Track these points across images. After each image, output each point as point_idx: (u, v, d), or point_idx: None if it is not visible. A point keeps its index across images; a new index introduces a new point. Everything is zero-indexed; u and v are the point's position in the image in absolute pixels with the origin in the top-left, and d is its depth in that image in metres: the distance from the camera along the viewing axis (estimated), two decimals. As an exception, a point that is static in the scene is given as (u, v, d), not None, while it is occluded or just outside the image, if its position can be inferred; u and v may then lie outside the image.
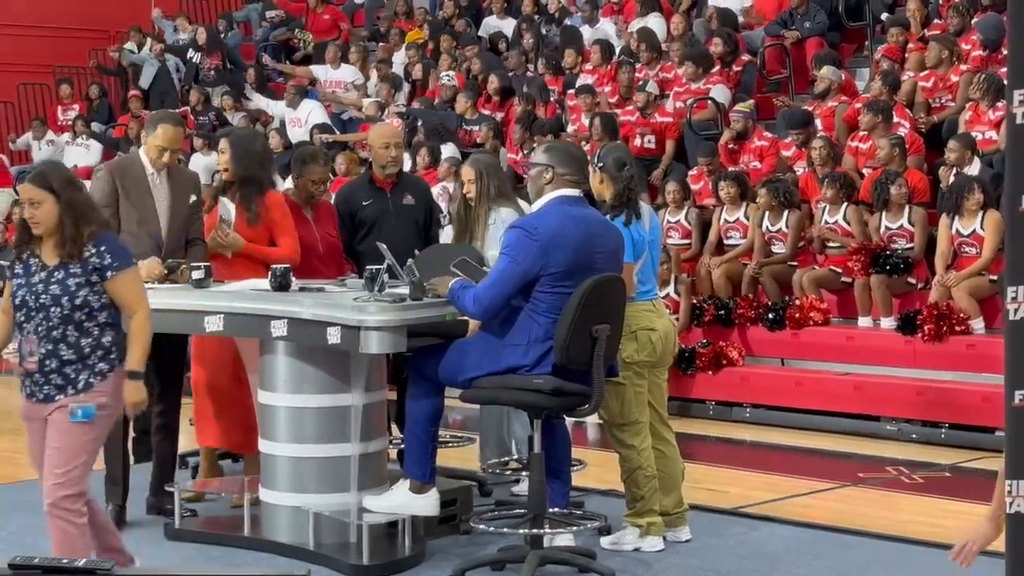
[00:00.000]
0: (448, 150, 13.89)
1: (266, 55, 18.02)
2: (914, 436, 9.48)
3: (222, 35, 19.10)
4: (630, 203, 6.39)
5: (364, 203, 7.64)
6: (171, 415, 7.09)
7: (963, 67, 11.73)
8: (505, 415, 7.47)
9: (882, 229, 10.33)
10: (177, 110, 16.59)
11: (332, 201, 7.92)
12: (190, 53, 18.32)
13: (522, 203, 7.25)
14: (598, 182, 6.43)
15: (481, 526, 6.24)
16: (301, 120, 16.14)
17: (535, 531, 5.97)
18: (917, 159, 11.02)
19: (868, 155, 11.23)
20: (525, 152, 13.31)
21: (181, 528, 6.77)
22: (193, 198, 7.08)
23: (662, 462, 6.53)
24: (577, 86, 14.02)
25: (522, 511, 6.25)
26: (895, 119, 11.28)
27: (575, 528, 6.24)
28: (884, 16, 13.56)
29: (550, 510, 6.08)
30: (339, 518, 6.32)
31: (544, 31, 15.84)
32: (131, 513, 6.98)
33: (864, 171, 11.21)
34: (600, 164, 6.43)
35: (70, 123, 18.15)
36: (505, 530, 6.17)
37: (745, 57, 13.68)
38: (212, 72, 17.88)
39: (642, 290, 6.38)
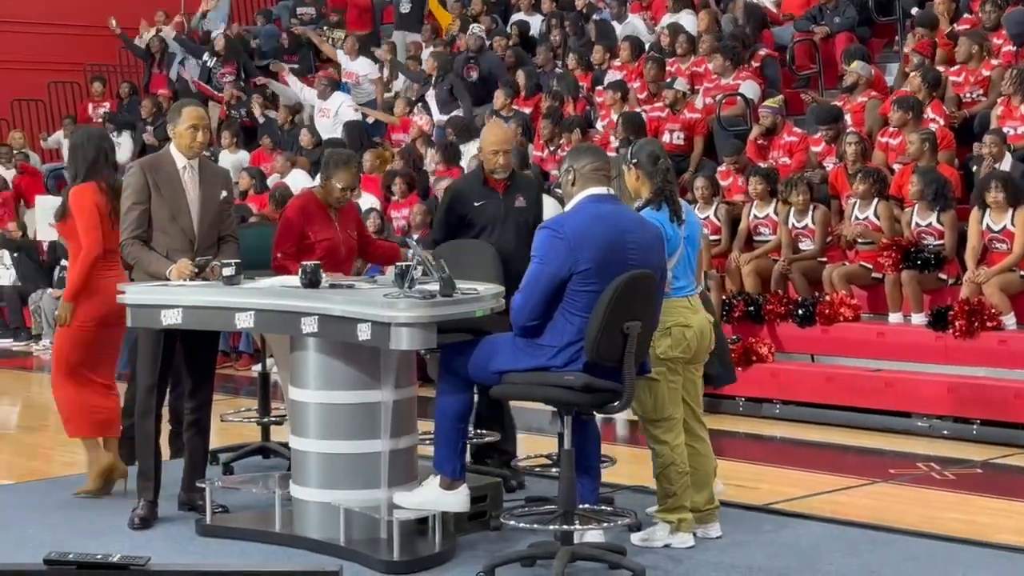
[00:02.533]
0: (475, 147, 13.90)
1: (279, 63, 18.00)
2: (945, 432, 9.43)
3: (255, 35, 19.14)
4: (669, 198, 6.38)
5: (475, 204, 7.40)
6: (203, 411, 7.11)
7: (994, 62, 11.67)
8: None
9: (913, 225, 10.29)
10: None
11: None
12: (206, 57, 18.33)
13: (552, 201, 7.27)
14: (634, 179, 6.43)
15: (511, 522, 6.24)
16: (330, 112, 16.17)
17: (565, 527, 5.96)
18: (948, 154, 10.97)
19: (899, 151, 11.19)
20: (552, 149, 13.32)
21: (212, 524, 6.79)
22: (224, 194, 7.09)
23: (695, 459, 6.52)
24: (606, 82, 14.02)
25: (552, 507, 6.24)
26: (928, 115, 11.23)
27: (605, 524, 6.23)
28: (914, 11, 13.50)
29: (580, 506, 6.08)
30: (369, 514, 6.33)
31: (571, 28, 15.82)
32: (163, 509, 7.01)
33: (894, 167, 11.17)
34: (634, 160, 6.43)
35: (100, 120, 18.23)
36: (535, 526, 6.16)
37: (763, 52, 13.62)
38: (225, 80, 17.90)
39: (677, 286, 6.34)
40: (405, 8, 18.13)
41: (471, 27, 16.33)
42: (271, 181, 14.91)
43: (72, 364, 7.50)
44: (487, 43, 16.04)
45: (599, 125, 13.64)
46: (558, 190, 6.48)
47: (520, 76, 14.89)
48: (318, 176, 9.06)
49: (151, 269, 6.84)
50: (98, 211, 7.32)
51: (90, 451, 7.59)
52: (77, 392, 7.51)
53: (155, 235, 6.89)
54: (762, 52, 13.55)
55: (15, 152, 17.79)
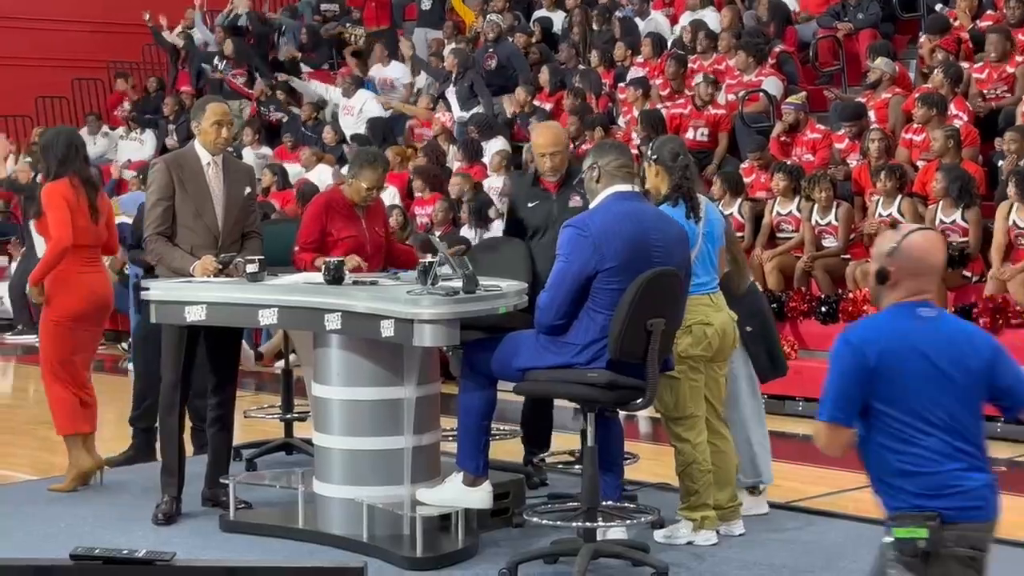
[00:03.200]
0: (497, 143, 13.91)
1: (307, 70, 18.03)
2: (968, 430, 9.38)
3: (282, 27, 19.14)
4: (688, 194, 6.36)
5: (529, 204, 7.22)
6: (226, 407, 7.12)
7: (1019, 58, 11.62)
8: None
9: (937, 222, 10.26)
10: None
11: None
12: (216, 61, 18.36)
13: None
14: (654, 175, 6.43)
15: (535, 519, 6.24)
16: (354, 109, 16.20)
17: (588, 524, 5.96)
18: (972, 151, 10.93)
19: (923, 147, 11.15)
20: (576, 145, 13.31)
21: (236, 520, 6.81)
22: (248, 190, 7.12)
23: (717, 457, 6.50)
24: (628, 79, 14.01)
25: (575, 504, 6.24)
26: (952, 111, 11.19)
27: (628, 521, 6.23)
28: (938, 7, 13.45)
29: (603, 503, 6.08)
30: (392, 510, 6.34)
31: (597, 22, 15.81)
32: (186, 505, 7.03)
33: (918, 163, 11.13)
34: (654, 156, 6.43)
35: (124, 117, 18.29)
36: (558, 523, 6.16)
37: (779, 48, 13.58)
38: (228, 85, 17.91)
39: (697, 282, 6.32)
40: (426, 5, 18.14)
41: (488, 16, 16.34)
42: (294, 177, 14.94)
43: (55, 362, 7.56)
44: (503, 31, 16.05)
45: (621, 122, 13.62)
46: (582, 189, 6.43)
47: (543, 73, 14.88)
48: (345, 172, 9.07)
49: (175, 265, 6.86)
50: (68, 205, 7.37)
51: (72, 451, 7.64)
52: (63, 389, 7.58)
53: (180, 231, 6.90)
54: (778, 48, 13.52)
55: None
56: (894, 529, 3.91)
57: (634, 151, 8.09)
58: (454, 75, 15.53)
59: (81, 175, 7.43)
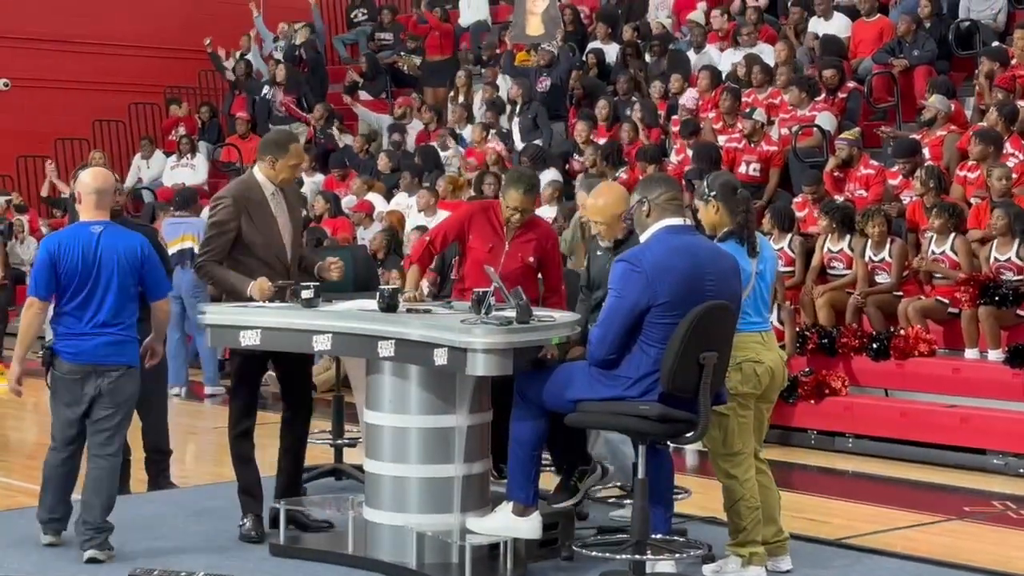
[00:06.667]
0: (550, 174, 13.93)
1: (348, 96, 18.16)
2: (1021, 471, 9.32)
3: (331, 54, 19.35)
4: (747, 231, 6.35)
5: (597, 252, 7.00)
6: (299, 432, 7.17)
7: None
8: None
9: (991, 260, 10.20)
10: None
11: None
12: (265, 89, 18.50)
13: None
14: (713, 212, 6.39)
15: (584, 551, 6.23)
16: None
17: (637, 557, 5.95)
18: (1024, 189, 10.87)
19: (977, 184, 11.10)
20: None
21: (285, 545, 6.84)
22: (304, 213, 7.20)
23: (760, 492, 6.47)
24: (680, 115, 14.01)
25: (624, 536, 6.23)
26: (1008, 149, 11.14)
27: (678, 555, 6.21)
28: (995, 44, 13.40)
29: (652, 536, 6.06)
30: (442, 538, 6.36)
31: (657, 52, 15.84)
32: (226, 530, 7.06)
33: (972, 200, 11.08)
34: (713, 193, 6.39)
35: (177, 142, 18.44)
36: (608, 555, 6.14)
37: (851, 84, 13.61)
38: (284, 110, 18.04)
39: (749, 320, 6.30)
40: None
41: (542, 46, 16.44)
42: (346, 204, 15.03)
43: None
44: (556, 57, 16.13)
45: (673, 157, 13.62)
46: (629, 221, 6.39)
47: (601, 106, 14.88)
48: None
49: (229, 287, 6.94)
50: None
51: None
52: None
53: (250, 262, 6.94)
54: (850, 85, 13.51)
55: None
56: None
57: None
58: (518, 106, 15.57)
59: None
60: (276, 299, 6.80)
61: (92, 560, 6.33)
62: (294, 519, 7.02)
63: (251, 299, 6.80)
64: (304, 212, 7.30)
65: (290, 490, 7.13)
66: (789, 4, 15.73)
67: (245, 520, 7.01)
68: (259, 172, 7.07)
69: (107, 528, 6.49)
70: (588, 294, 7.00)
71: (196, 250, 12.67)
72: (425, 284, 7.07)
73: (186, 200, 13.00)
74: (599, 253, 6.96)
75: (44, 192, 18.59)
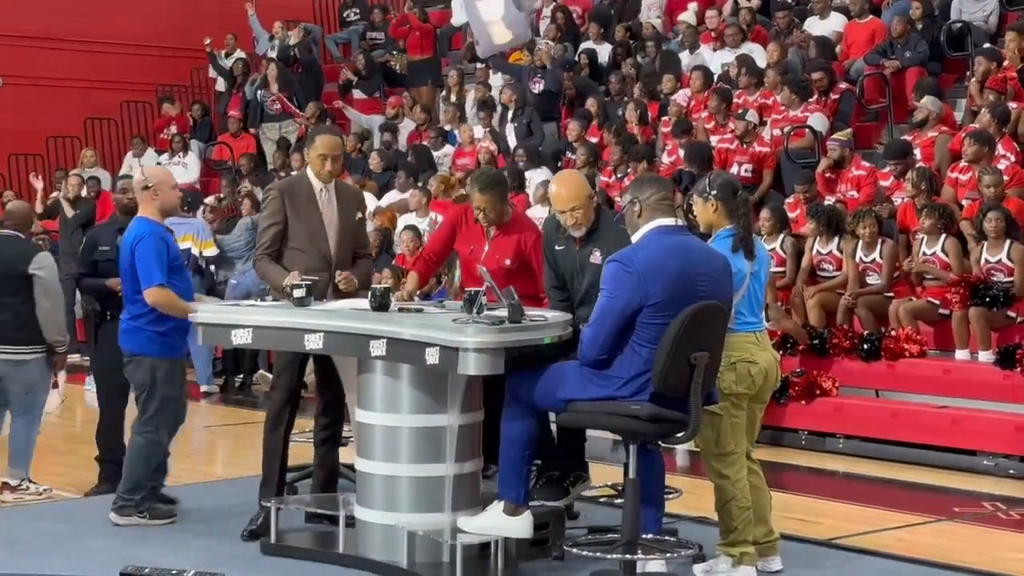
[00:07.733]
0: (541, 174, 13.93)
1: (341, 102, 18.14)
2: (1011, 472, 9.34)
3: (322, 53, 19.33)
4: (745, 232, 6.35)
5: (556, 247, 6.86)
6: (336, 427, 7.28)
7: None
8: None
9: (982, 262, 10.22)
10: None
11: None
12: (257, 87, 18.45)
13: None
14: (711, 211, 6.38)
15: (575, 550, 6.24)
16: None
17: (628, 556, 5.97)
18: (1019, 190, 10.88)
19: (968, 186, 11.12)
20: (619, 176, 13.32)
21: (277, 543, 6.84)
22: (359, 215, 7.33)
23: (751, 492, 6.48)
24: (671, 115, 14.01)
25: (615, 536, 6.24)
26: (1000, 151, 11.16)
27: (668, 555, 6.22)
28: (986, 45, 13.42)
29: (643, 536, 6.07)
30: (433, 537, 6.36)
31: (650, 53, 15.84)
32: (224, 526, 7.05)
33: (963, 202, 11.10)
34: (714, 192, 6.38)
35: (169, 140, 18.42)
36: (599, 554, 6.15)
37: (843, 85, 13.62)
38: (276, 108, 18.02)
39: (744, 321, 6.31)
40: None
41: (537, 43, 16.42)
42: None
43: None
44: (552, 58, 16.13)
45: (665, 158, 13.62)
46: (621, 224, 6.37)
47: (592, 104, 14.88)
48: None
49: (273, 281, 7.07)
50: None
51: None
52: None
53: (294, 255, 7.06)
54: (842, 86, 13.53)
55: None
56: None
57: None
58: (511, 111, 15.56)
59: None
60: (308, 295, 6.72)
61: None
62: (327, 516, 7.03)
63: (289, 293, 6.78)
64: (360, 214, 7.34)
65: (330, 484, 7.21)
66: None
67: (260, 515, 7.02)
68: (308, 169, 7.20)
69: (127, 500, 7.17)
70: (558, 294, 6.90)
71: (195, 251, 12.92)
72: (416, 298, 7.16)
73: (193, 202, 13.25)
74: (560, 248, 6.78)
75: (39, 209, 18.49)
